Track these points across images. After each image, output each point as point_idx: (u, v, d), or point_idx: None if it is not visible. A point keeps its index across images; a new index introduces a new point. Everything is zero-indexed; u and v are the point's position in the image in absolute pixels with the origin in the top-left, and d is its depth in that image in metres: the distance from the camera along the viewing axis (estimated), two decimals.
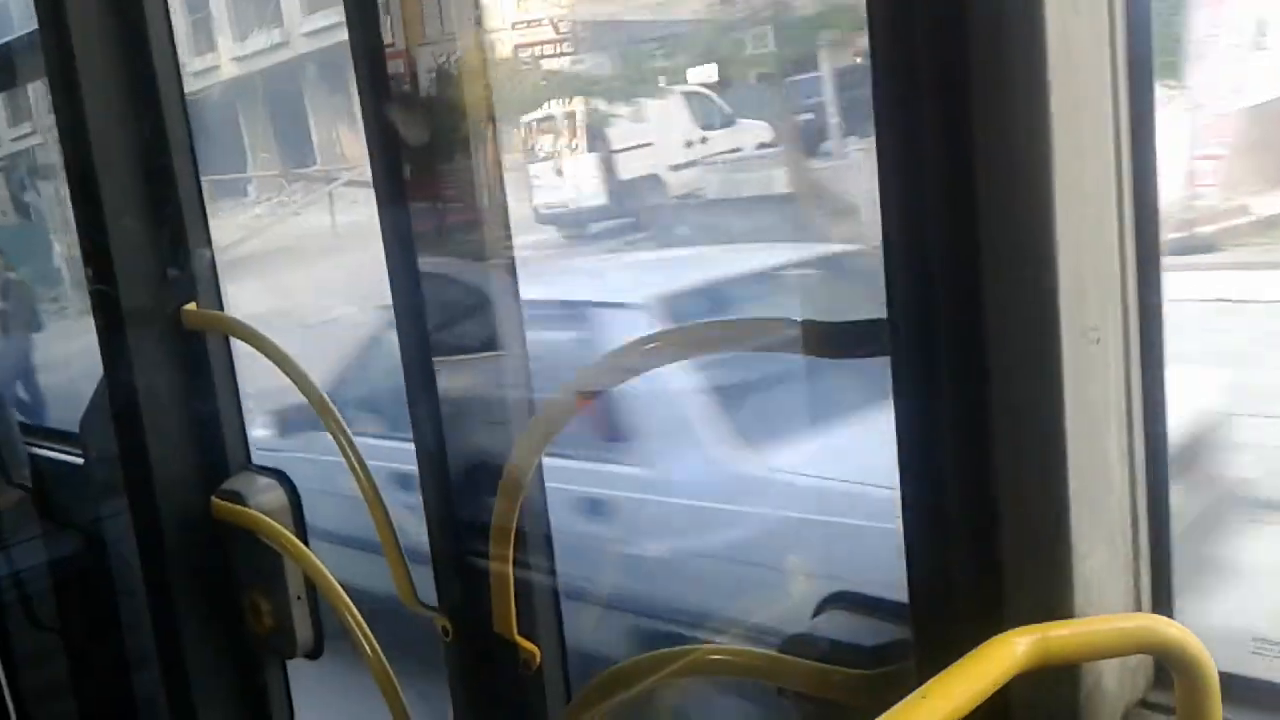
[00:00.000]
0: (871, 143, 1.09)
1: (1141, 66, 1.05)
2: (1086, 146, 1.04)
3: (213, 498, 2.32)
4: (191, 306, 2.29)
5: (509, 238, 1.90)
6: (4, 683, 2.57)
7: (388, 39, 1.83)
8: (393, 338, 1.85)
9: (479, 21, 1.90)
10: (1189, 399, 3.11)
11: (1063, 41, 1.00)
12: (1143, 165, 1.07)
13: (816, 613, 1.41)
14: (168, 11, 2.23)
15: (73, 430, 2.90)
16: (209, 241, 2.29)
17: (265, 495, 2.28)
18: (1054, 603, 1.07)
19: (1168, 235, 1.09)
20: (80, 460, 2.86)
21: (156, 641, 2.47)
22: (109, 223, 2.22)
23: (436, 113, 1.86)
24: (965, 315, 1.06)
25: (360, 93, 1.85)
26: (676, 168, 8.82)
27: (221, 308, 2.33)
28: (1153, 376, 1.10)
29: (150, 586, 2.45)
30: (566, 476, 3.64)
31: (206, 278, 2.28)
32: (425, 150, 1.87)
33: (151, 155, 2.24)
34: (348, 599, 2.06)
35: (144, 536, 2.42)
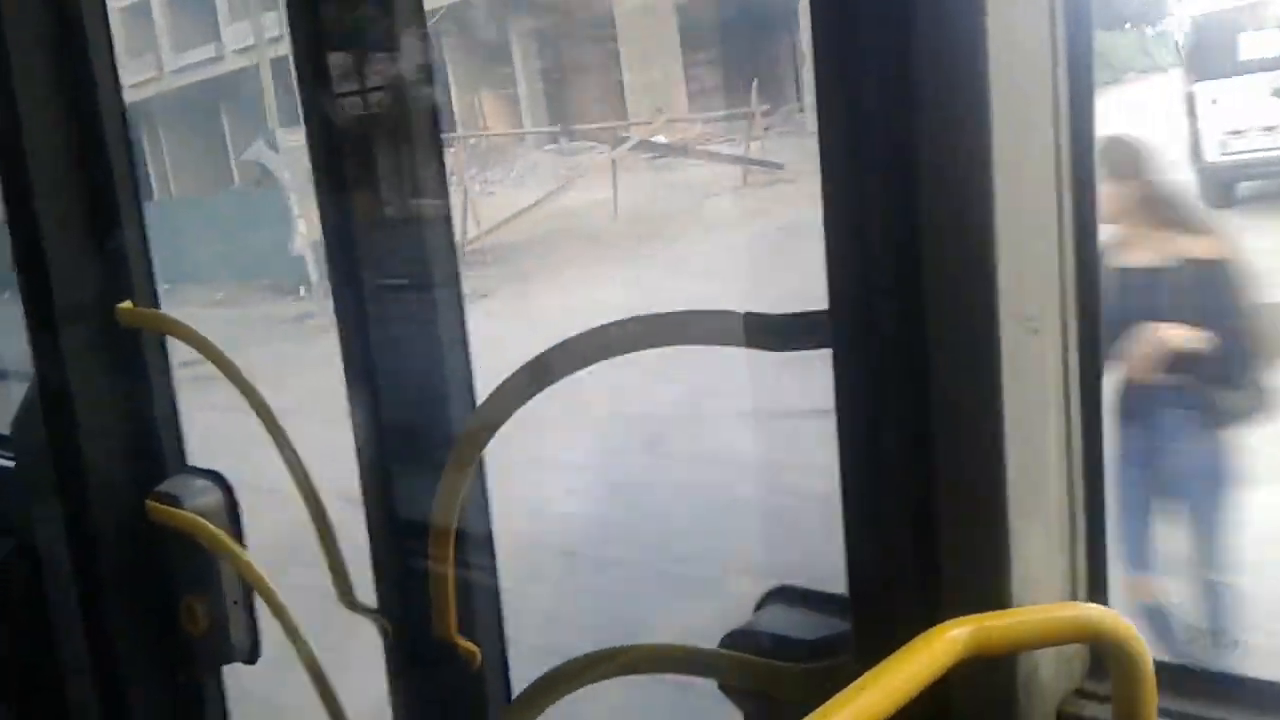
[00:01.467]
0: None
1: (1081, 58, 1.06)
2: (1026, 138, 1.05)
3: (147, 500, 2.27)
4: (127, 304, 2.24)
5: (451, 243, 1.89)
6: None
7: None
8: None
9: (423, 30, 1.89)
10: None
11: (1004, 33, 1.00)
12: (1081, 156, 1.08)
13: (758, 607, 1.40)
14: (104, 3, 2.19)
15: (2, 432, 2.83)
16: (145, 238, 2.24)
17: (202, 498, 2.24)
18: (991, 593, 1.07)
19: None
20: (11, 463, 2.80)
21: (89, 647, 2.42)
22: (40, 216, 2.17)
23: (381, 123, 1.85)
24: (905, 306, 1.06)
25: (302, 102, 1.83)
26: None
27: (157, 305, 2.28)
28: (1090, 365, 1.11)
29: (83, 591, 2.39)
30: None
31: (142, 274, 2.24)
32: (371, 158, 1.86)
33: (85, 148, 2.19)
34: (285, 603, 2.03)
35: (77, 541, 2.37)
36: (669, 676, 1.43)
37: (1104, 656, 1.06)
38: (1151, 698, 1.02)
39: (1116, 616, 1.04)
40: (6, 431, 2.77)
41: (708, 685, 1.40)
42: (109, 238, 2.22)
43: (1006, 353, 1.04)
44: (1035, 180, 1.05)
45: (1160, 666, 1.03)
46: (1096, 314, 1.10)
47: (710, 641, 1.38)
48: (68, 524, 2.38)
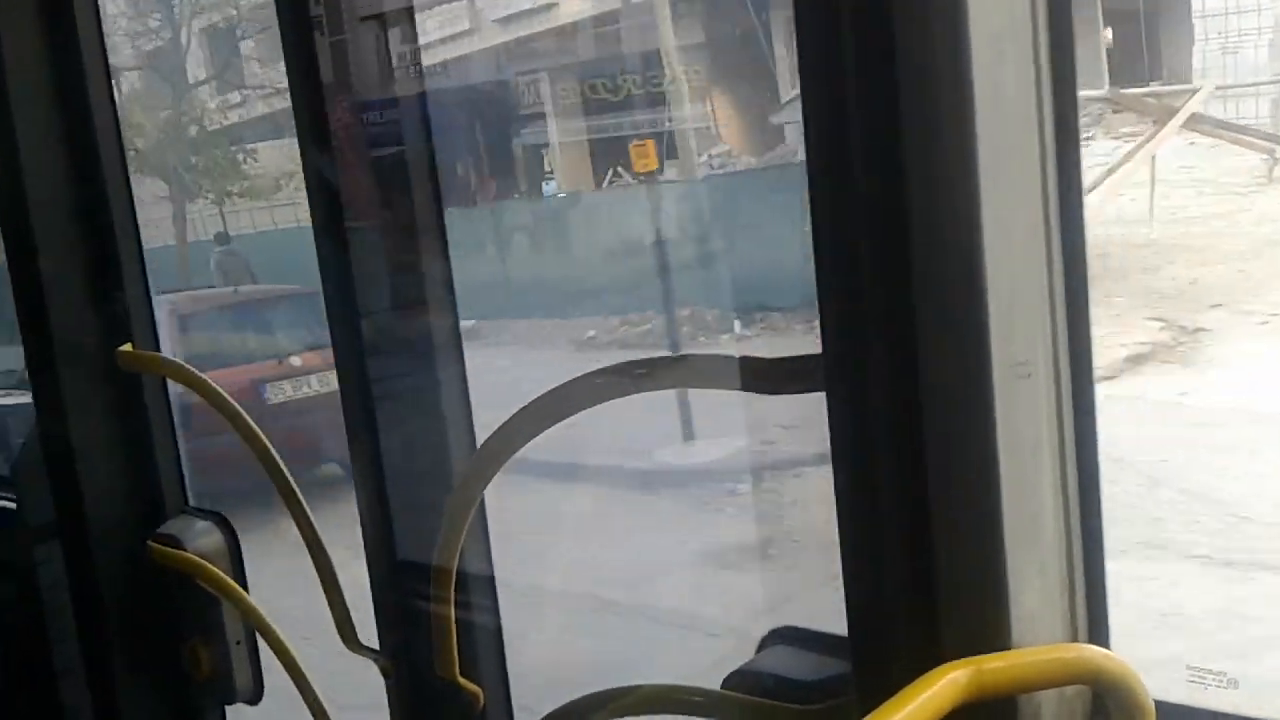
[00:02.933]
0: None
1: (1066, 109, 1.07)
2: (1015, 186, 1.06)
3: (149, 542, 2.28)
4: (127, 347, 2.25)
5: (450, 285, 1.90)
6: None
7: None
8: None
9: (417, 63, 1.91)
10: None
11: (991, 88, 1.02)
12: (1069, 203, 1.09)
13: (760, 648, 1.41)
14: (103, 45, 2.21)
15: (4, 474, 2.84)
16: (145, 281, 2.26)
17: (203, 539, 2.24)
18: (991, 635, 1.08)
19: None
20: (13, 505, 2.80)
21: (91, 689, 2.42)
22: (41, 259, 2.18)
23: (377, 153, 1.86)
24: (898, 351, 1.07)
25: (299, 130, 1.85)
26: None
27: (157, 348, 2.29)
28: (1083, 409, 1.12)
29: (84, 633, 2.39)
30: None
31: (142, 317, 2.25)
32: (365, 188, 1.88)
33: (85, 192, 2.21)
34: (287, 643, 2.03)
35: (78, 582, 2.37)
36: None
37: (1105, 698, 1.06)
38: None
39: (1117, 658, 1.05)
40: (7, 473, 2.78)
41: None
42: (109, 282, 2.23)
43: (999, 397, 1.05)
44: (1024, 229, 1.06)
45: (1161, 707, 1.04)
46: (1089, 357, 1.11)
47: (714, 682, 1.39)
48: (69, 566, 2.39)
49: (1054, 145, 1.06)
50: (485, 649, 1.82)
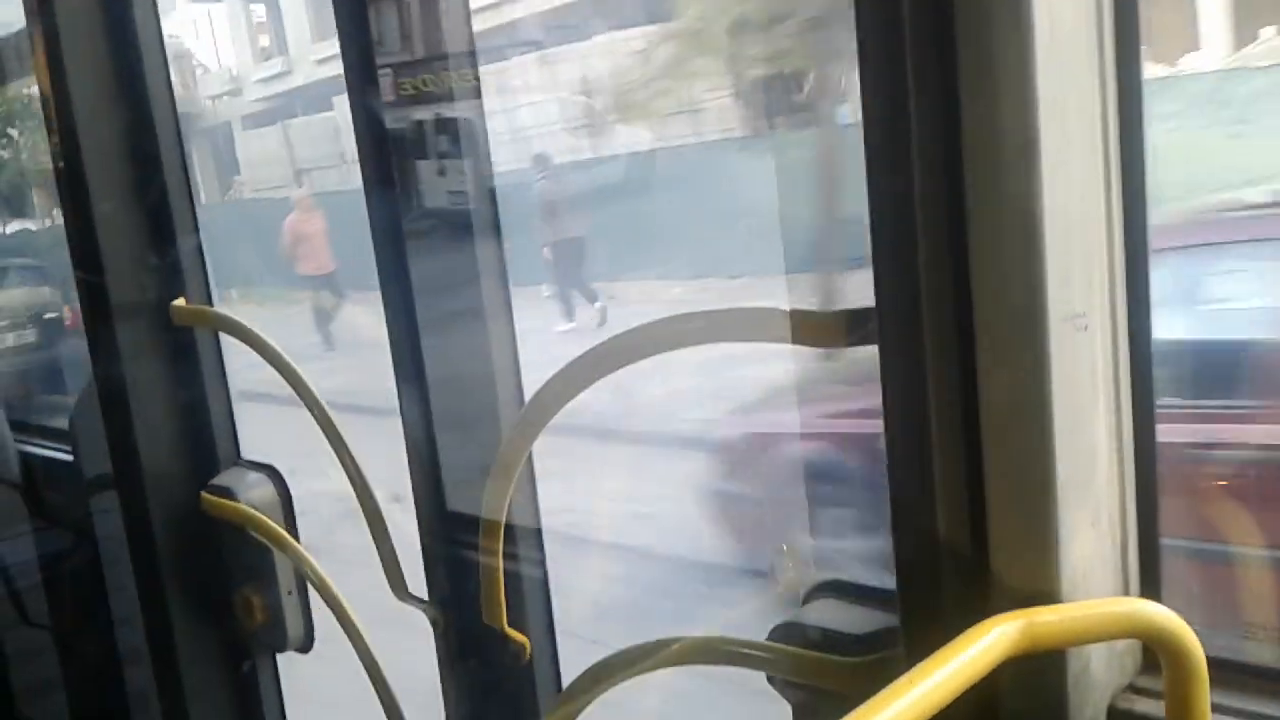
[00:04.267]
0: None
1: (1129, 51, 1.05)
2: (1073, 133, 1.04)
3: (202, 493, 2.32)
4: (180, 301, 2.28)
5: (500, 241, 1.91)
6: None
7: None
8: None
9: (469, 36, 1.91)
10: None
11: (1050, 27, 1.00)
12: (1130, 151, 1.07)
13: (805, 600, 1.41)
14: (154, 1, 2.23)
15: (62, 427, 2.89)
16: (197, 236, 2.28)
17: (255, 490, 2.28)
18: (1041, 588, 1.07)
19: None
20: (70, 457, 2.86)
21: (147, 636, 2.47)
22: (96, 216, 2.21)
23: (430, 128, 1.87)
24: (953, 303, 1.06)
25: (352, 106, 1.86)
26: None
27: (211, 302, 2.32)
28: (1140, 362, 1.10)
29: (141, 582, 2.44)
30: None
31: (195, 272, 2.28)
32: (419, 161, 1.88)
33: (139, 149, 2.23)
34: (338, 593, 2.06)
35: (134, 532, 2.41)
36: None
37: (1156, 652, 1.05)
38: (1204, 693, 1.02)
39: (1169, 612, 1.04)
40: (65, 427, 2.83)
41: None
42: (163, 238, 2.26)
43: (1055, 349, 1.03)
44: (1082, 179, 1.04)
45: (1213, 662, 1.03)
46: (1146, 310, 1.10)
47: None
48: (125, 516, 2.43)
49: (1115, 89, 1.04)
50: (532, 599, 1.84)
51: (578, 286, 10.63)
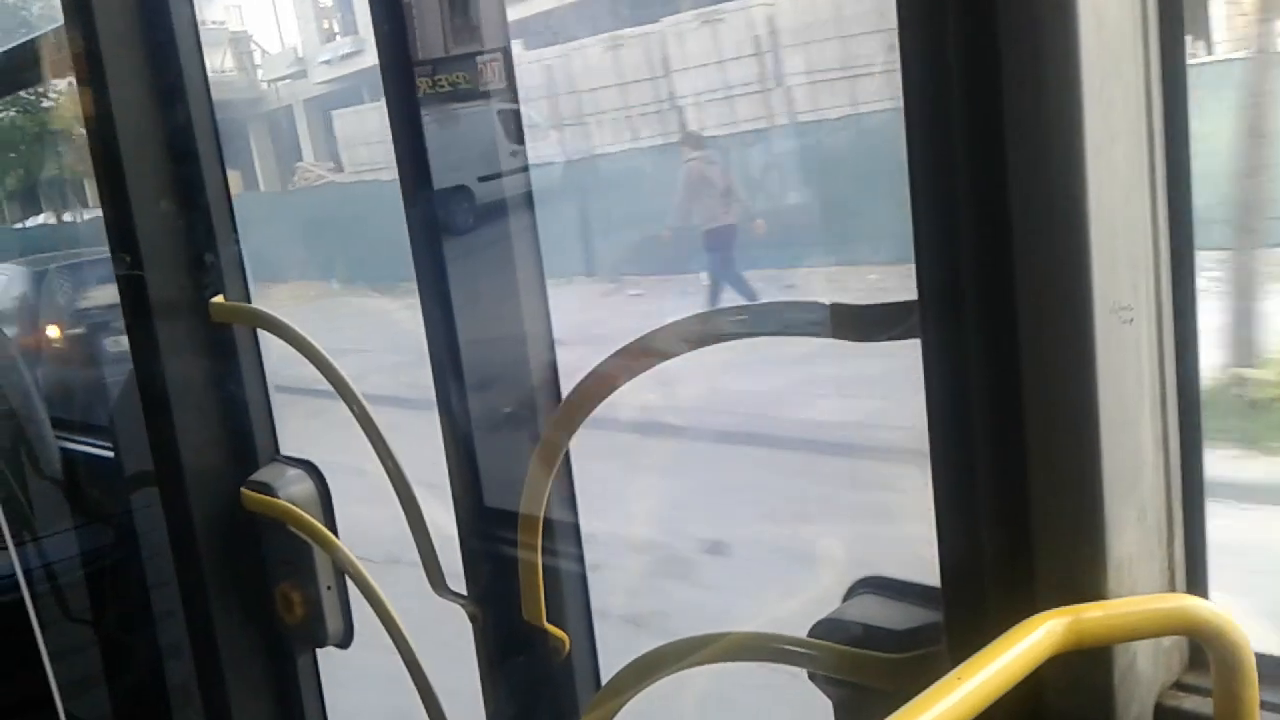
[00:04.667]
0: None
1: (1174, 42, 1.04)
2: (1118, 123, 1.03)
3: (242, 489, 2.34)
4: (220, 299, 2.30)
5: (536, 237, 1.91)
6: (49, 674, 2.59)
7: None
8: None
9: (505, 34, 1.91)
10: None
11: (1095, 16, 0.99)
12: (1176, 142, 1.06)
13: (847, 597, 1.40)
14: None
15: (103, 424, 2.92)
16: (236, 233, 2.30)
17: (295, 486, 2.30)
18: (1087, 584, 1.06)
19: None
20: (111, 453, 2.89)
21: (189, 632, 2.49)
22: (135, 214, 2.23)
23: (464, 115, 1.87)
24: (996, 296, 1.05)
25: (388, 102, 1.87)
26: None
27: (249, 299, 2.34)
28: (1187, 356, 1.09)
29: (181, 577, 2.47)
30: None
31: (233, 269, 2.29)
32: (455, 152, 1.89)
33: (178, 146, 2.25)
34: (378, 588, 2.07)
35: (175, 528, 2.44)
36: None
37: (1204, 649, 1.04)
38: (1253, 691, 1.01)
39: (1216, 608, 1.02)
40: (106, 423, 2.87)
41: None
42: (202, 235, 2.28)
43: (1101, 343, 1.02)
44: (1127, 170, 1.03)
45: (1262, 659, 1.02)
46: (1192, 302, 1.09)
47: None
48: (165, 512, 2.46)
49: (1160, 80, 1.03)
50: (571, 595, 1.84)
51: (729, 278, 9.75)
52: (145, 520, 2.69)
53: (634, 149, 13.51)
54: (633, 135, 13.54)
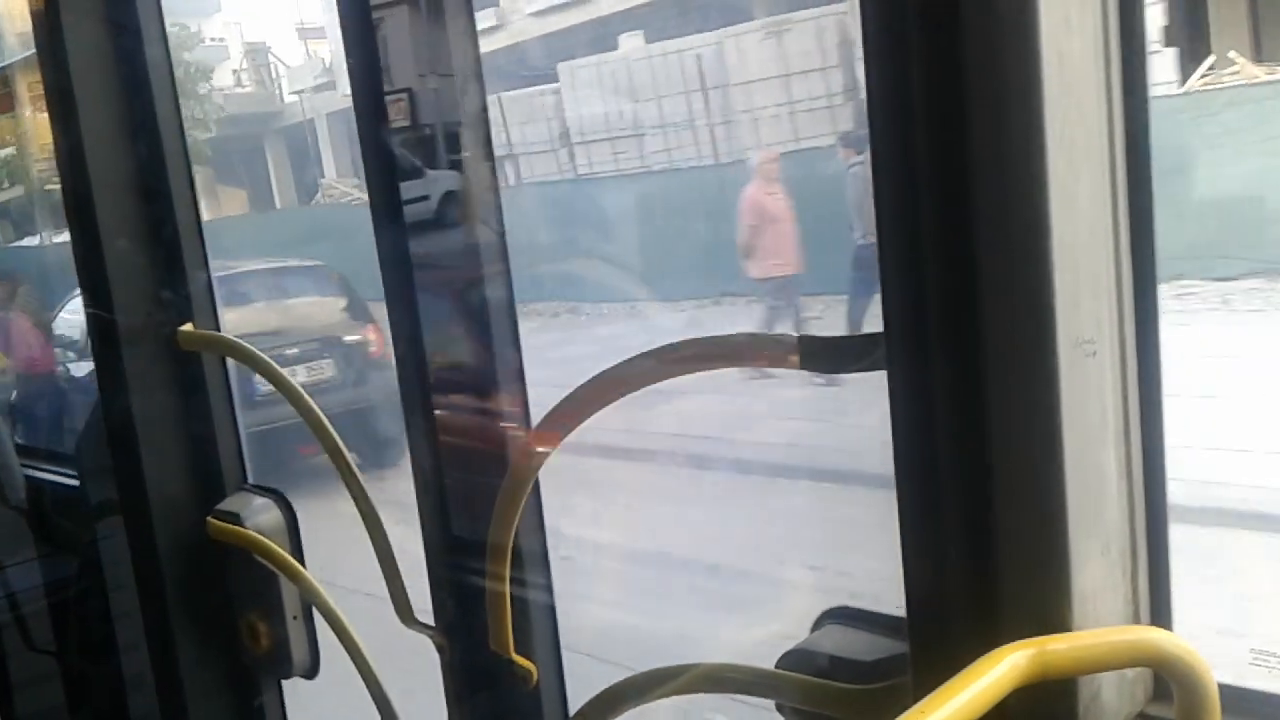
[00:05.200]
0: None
1: (1136, 78, 1.06)
2: (1081, 159, 1.04)
3: (209, 518, 2.32)
4: (188, 327, 2.29)
5: (506, 262, 1.91)
6: (12, 705, 2.55)
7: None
8: None
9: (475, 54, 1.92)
10: None
11: (1057, 56, 1.01)
12: (1138, 177, 1.07)
13: (815, 627, 1.40)
14: (164, 32, 2.24)
15: (67, 452, 2.90)
16: (205, 261, 2.29)
17: (262, 515, 2.28)
18: (1051, 616, 1.07)
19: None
20: (76, 482, 2.86)
21: (152, 663, 2.46)
22: (104, 243, 2.22)
23: (434, 140, 1.87)
24: (961, 330, 1.06)
25: (358, 120, 1.87)
26: None
27: (218, 328, 2.33)
28: (1149, 388, 1.10)
29: (146, 607, 2.44)
30: None
31: (202, 297, 2.28)
32: (424, 176, 1.89)
33: (148, 176, 2.24)
34: (344, 619, 2.06)
35: (140, 558, 2.41)
36: None
37: (1167, 680, 1.05)
38: None
39: (1179, 640, 1.03)
40: (71, 451, 2.84)
41: None
42: (171, 262, 2.27)
43: (1064, 376, 1.03)
44: (1090, 204, 1.05)
45: (1224, 690, 1.03)
46: (1155, 335, 1.10)
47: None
48: (131, 541, 2.43)
49: (1122, 116, 1.05)
50: (539, 626, 1.83)
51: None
52: (110, 550, 2.66)
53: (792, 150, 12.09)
54: (794, 135, 12.32)
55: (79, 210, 2.26)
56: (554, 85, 15.80)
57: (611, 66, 14.90)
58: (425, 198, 1.91)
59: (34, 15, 2.25)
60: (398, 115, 1.83)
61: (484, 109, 1.84)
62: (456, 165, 1.90)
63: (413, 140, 1.89)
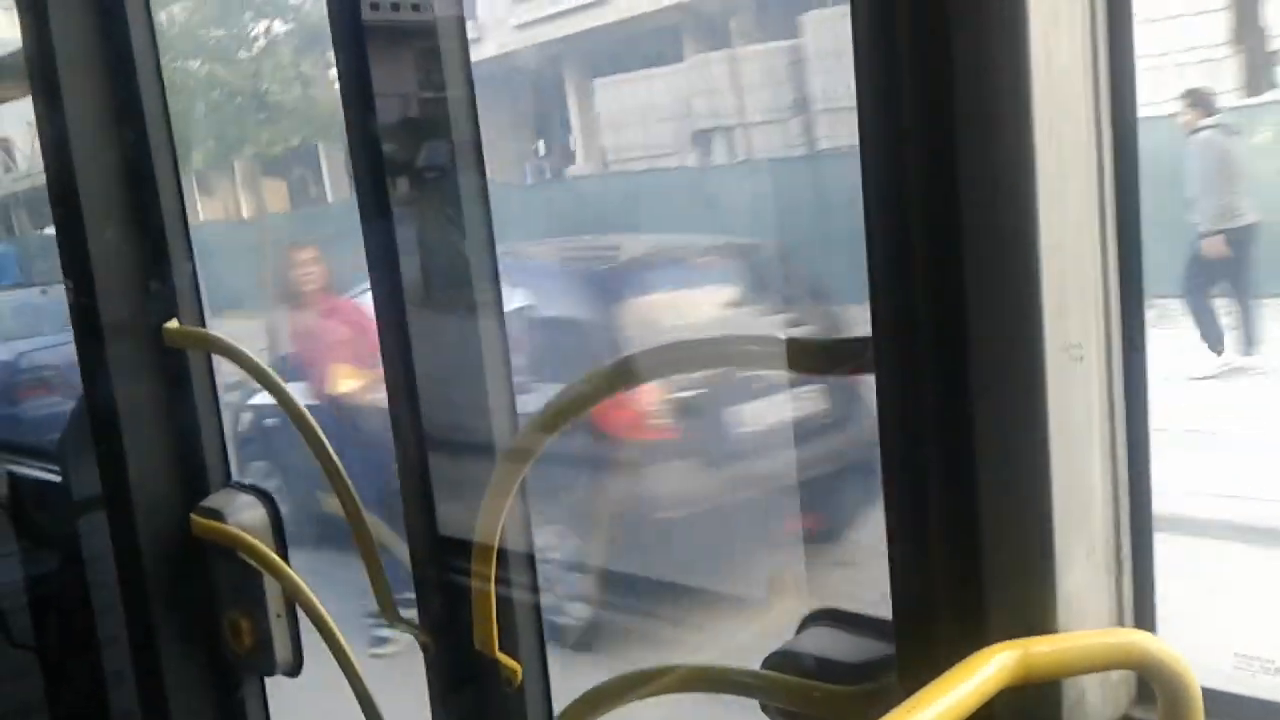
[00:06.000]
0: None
1: (1124, 82, 1.06)
2: (1069, 164, 1.05)
3: (192, 515, 2.31)
4: (173, 323, 2.27)
5: (494, 262, 1.90)
6: None
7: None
8: None
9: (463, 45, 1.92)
10: None
11: (1046, 59, 1.01)
12: (1125, 182, 1.08)
13: (800, 629, 1.41)
14: (151, 23, 2.23)
15: (50, 448, 2.88)
16: (191, 257, 2.28)
17: (246, 513, 2.27)
18: (1037, 618, 1.07)
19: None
20: (58, 478, 2.84)
21: (134, 659, 2.45)
22: (89, 237, 2.21)
23: (422, 134, 1.87)
24: (949, 333, 1.07)
25: (345, 110, 1.86)
26: None
27: (203, 324, 2.31)
28: (1135, 393, 1.11)
29: (128, 604, 2.42)
30: None
31: (188, 293, 2.27)
32: (411, 170, 1.88)
33: (134, 170, 2.23)
34: (328, 616, 2.05)
35: (122, 554, 2.40)
36: None
37: (1151, 683, 1.06)
38: None
39: (1164, 643, 1.04)
40: (53, 448, 2.82)
41: None
42: (156, 259, 2.25)
43: (1051, 380, 1.04)
44: (1078, 209, 1.05)
45: (1208, 694, 1.03)
46: (1142, 340, 1.11)
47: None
48: (114, 538, 2.42)
49: (1110, 123, 1.05)
50: (524, 625, 1.83)
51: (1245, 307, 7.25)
52: (92, 546, 2.65)
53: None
54: None
55: (63, 201, 2.24)
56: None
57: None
58: (416, 198, 1.90)
59: (19, 1, 2.24)
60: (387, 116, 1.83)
61: (475, 118, 1.84)
62: (446, 163, 1.90)
63: (402, 139, 1.89)
